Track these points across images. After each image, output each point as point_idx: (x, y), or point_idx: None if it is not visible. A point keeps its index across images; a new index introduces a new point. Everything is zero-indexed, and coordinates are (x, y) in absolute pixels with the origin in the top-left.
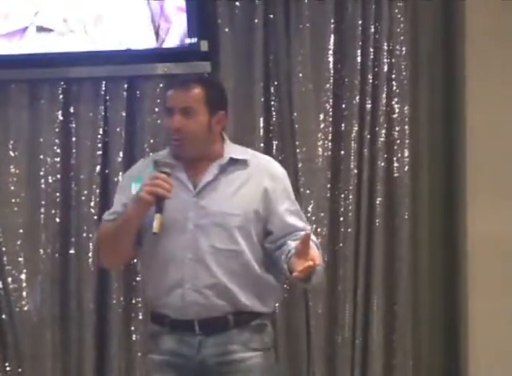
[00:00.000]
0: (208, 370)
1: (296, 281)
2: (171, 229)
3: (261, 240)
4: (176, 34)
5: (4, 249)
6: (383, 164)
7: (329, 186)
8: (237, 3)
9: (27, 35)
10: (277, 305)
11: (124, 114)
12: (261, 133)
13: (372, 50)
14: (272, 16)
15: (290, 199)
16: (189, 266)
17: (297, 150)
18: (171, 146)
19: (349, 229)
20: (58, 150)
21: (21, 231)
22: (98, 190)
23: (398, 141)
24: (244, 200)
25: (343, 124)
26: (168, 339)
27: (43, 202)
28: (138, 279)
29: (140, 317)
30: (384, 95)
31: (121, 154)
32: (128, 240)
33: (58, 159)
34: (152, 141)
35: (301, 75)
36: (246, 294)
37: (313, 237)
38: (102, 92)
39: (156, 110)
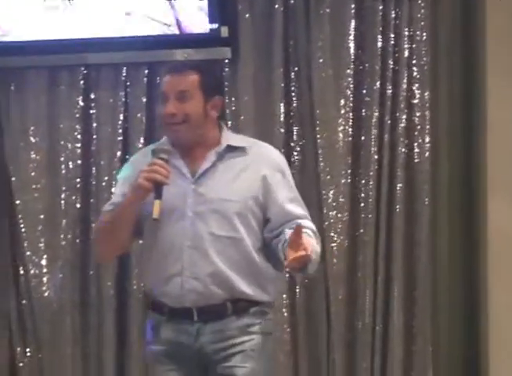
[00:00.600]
0: (206, 357)
1: (291, 270)
2: (170, 216)
3: (261, 229)
4: (197, 20)
5: (24, 235)
6: (403, 149)
7: (349, 171)
8: None
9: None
10: (283, 295)
11: (144, 100)
12: (282, 119)
13: (392, 36)
14: (292, 1)
15: (290, 186)
16: (188, 254)
17: (318, 136)
18: (166, 132)
19: (369, 215)
20: (78, 136)
21: (41, 217)
22: None
23: (419, 127)
24: (243, 187)
25: (363, 110)
26: (167, 328)
27: (63, 188)
28: None
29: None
30: (405, 81)
31: (142, 140)
32: (125, 229)
33: (78, 145)
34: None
35: (321, 61)
36: (244, 281)
37: (310, 225)
38: (123, 78)
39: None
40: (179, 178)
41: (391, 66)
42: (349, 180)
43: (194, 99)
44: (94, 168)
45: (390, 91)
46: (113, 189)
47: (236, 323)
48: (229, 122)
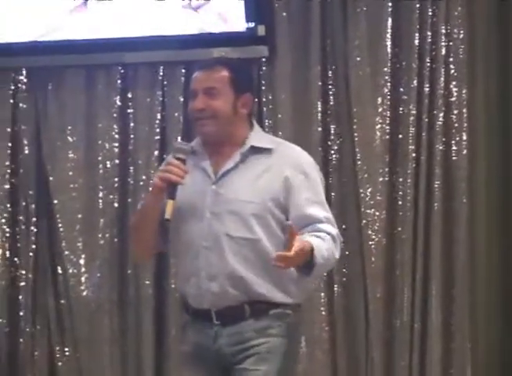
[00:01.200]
0: (225, 359)
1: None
2: (190, 216)
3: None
4: (233, 18)
5: (62, 234)
6: (441, 147)
7: (386, 169)
8: None
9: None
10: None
11: (181, 99)
12: (319, 117)
13: (429, 33)
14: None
15: (313, 188)
16: (204, 254)
17: (355, 134)
18: (195, 128)
19: (407, 213)
20: (116, 136)
21: (79, 216)
22: None
23: (456, 124)
24: (262, 188)
25: (400, 108)
26: (191, 329)
27: (101, 187)
28: None
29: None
30: (442, 79)
31: (179, 139)
32: (149, 228)
33: (116, 144)
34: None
35: (358, 59)
36: (262, 283)
37: (329, 228)
38: (160, 77)
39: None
40: (202, 177)
41: (428, 64)
42: (387, 178)
43: (223, 95)
44: (131, 168)
45: (427, 89)
46: (149, 188)
47: (253, 325)
48: (266, 121)
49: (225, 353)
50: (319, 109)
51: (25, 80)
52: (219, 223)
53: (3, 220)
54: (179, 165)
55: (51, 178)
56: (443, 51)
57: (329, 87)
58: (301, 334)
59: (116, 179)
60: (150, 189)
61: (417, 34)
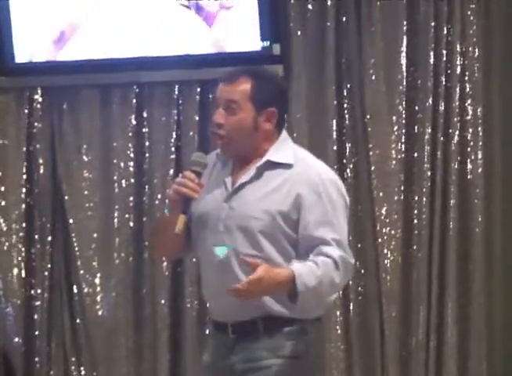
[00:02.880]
0: (236, 374)
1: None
2: (207, 228)
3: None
4: (249, 37)
5: (78, 254)
6: (456, 166)
7: (402, 188)
8: (309, 6)
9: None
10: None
11: (196, 118)
12: (334, 136)
13: (444, 52)
14: (343, 18)
15: (325, 208)
16: (217, 269)
17: (370, 153)
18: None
19: (423, 232)
20: (131, 155)
21: (95, 235)
22: None
23: (472, 143)
24: (273, 205)
25: (416, 127)
26: (211, 340)
27: (116, 206)
28: None
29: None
30: (457, 97)
31: (196, 151)
32: (166, 237)
33: (131, 163)
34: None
35: (373, 78)
36: (274, 299)
37: (331, 252)
38: (175, 96)
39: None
40: (221, 189)
41: (444, 83)
42: (402, 197)
43: (244, 111)
44: (147, 187)
45: (442, 107)
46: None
47: (267, 343)
48: None
49: (236, 370)
50: (335, 128)
51: (40, 99)
52: (230, 238)
53: (19, 239)
54: (194, 179)
55: (66, 198)
56: (458, 69)
57: (345, 106)
58: (323, 349)
59: (131, 198)
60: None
61: (432, 53)
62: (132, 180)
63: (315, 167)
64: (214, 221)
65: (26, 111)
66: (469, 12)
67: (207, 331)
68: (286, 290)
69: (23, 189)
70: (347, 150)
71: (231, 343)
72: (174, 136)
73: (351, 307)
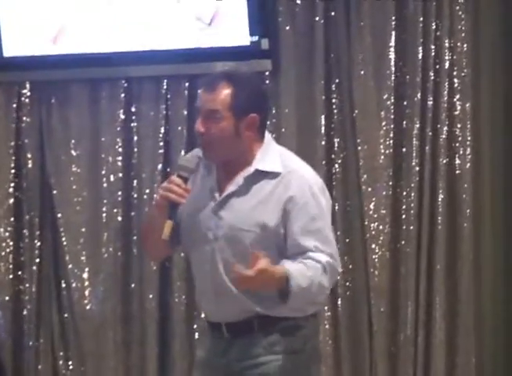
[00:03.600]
0: (233, 373)
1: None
2: (196, 237)
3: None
4: (237, 32)
5: (66, 248)
6: (444, 161)
7: (390, 183)
8: (298, 1)
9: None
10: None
11: (185, 113)
12: (323, 131)
13: (433, 47)
14: (332, 13)
15: (310, 216)
16: (208, 277)
17: (359, 148)
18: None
19: (411, 227)
20: (119, 149)
21: (83, 230)
22: None
23: (460, 138)
24: (262, 217)
25: (404, 122)
26: (207, 338)
27: (105, 201)
28: None
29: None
30: (446, 93)
31: (183, 153)
32: (154, 238)
33: (119, 158)
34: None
35: (362, 73)
36: (268, 303)
37: (318, 257)
38: (164, 91)
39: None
40: (208, 196)
41: (432, 78)
42: (390, 192)
43: (224, 120)
44: (135, 181)
45: (431, 102)
46: (153, 202)
47: (262, 340)
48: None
49: (233, 368)
50: (323, 123)
51: (29, 94)
52: (219, 248)
53: (7, 234)
54: (181, 184)
55: (55, 192)
56: (447, 65)
57: (333, 101)
58: (318, 343)
59: (119, 193)
60: (153, 203)
61: (421, 48)
62: (120, 175)
63: (302, 174)
64: (203, 230)
65: (14, 106)
66: (457, 8)
67: (195, 326)
68: (278, 287)
69: (12, 184)
70: (336, 145)
71: (226, 342)
72: (163, 131)
73: (340, 302)
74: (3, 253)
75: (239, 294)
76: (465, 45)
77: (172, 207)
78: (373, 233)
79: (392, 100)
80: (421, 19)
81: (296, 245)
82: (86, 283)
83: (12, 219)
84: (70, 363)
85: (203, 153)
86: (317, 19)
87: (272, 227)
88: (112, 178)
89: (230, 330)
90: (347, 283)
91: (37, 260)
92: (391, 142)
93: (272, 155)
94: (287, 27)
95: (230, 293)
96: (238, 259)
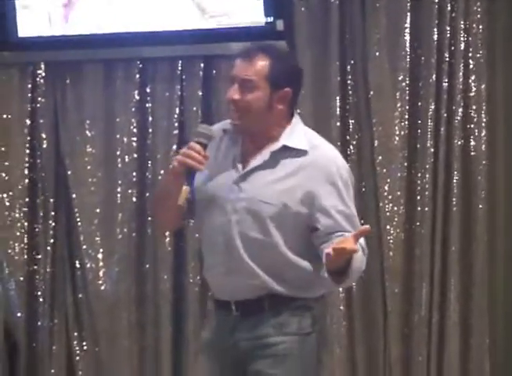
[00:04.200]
0: (241, 354)
1: (331, 273)
2: (213, 206)
3: (306, 234)
4: (251, 13)
5: (81, 229)
6: (459, 142)
7: (405, 164)
8: None
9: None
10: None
11: (200, 94)
12: (338, 112)
13: (448, 28)
14: None
15: (342, 199)
16: (221, 249)
17: (374, 129)
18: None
19: (426, 208)
20: (134, 130)
21: (98, 211)
22: None
23: (475, 119)
24: (284, 192)
25: (419, 103)
26: (214, 317)
27: (119, 182)
28: None
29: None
30: (461, 74)
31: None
32: (167, 206)
33: (134, 139)
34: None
35: (377, 54)
36: (280, 281)
37: (360, 240)
38: (178, 72)
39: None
40: (231, 167)
41: (447, 59)
42: (405, 173)
43: (259, 90)
44: (150, 162)
45: (446, 84)
46: None
47: (272, 319)
48: None
49: (241, 348)
50: (338, 104)
51: (43, 74)
52: (237, 220)
53: (22, 214)
54: (200, 151)
55: (69, 173)
56: (462, 46)
57: (348, 82)
58: (327, 327)
59: (134, 174)
60: (169, 168)
61: (436, 29)
62: (135, 155)
63: (328, 154)
64: (221, 201)
65: (29, 86)
66: None
67: (209, 307)
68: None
69: (26, 165)
70: (351, 127)
71: (235, 321)
72: (178, 112)
73: (354, 284)
74: (18, 233)
75: (254, 267)
76: (480, 27)
77: (189, 174)
78: (388, 214)
79: (407, 81)
80: (436, 0)
81: (332, 223)
82: (100, 264)
83: (26, 200)
84: (84, 343)
85: (232, 122)
86: (332, 0)
87: (294, 203)
88: (127, 158)
89: (239, 309)
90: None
91: (52, 241)
92: (406, 123)
93: (299, 133)
94: (302, 8)
95: (244, 268)
96: (255, 233)
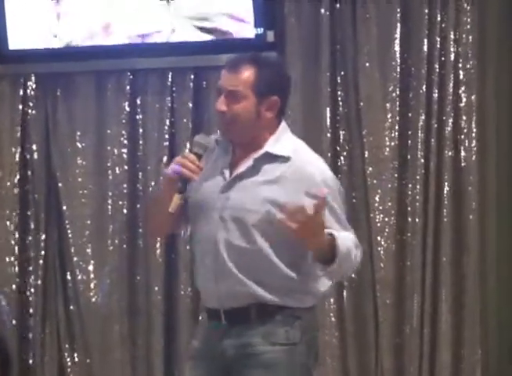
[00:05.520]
0: (228, 360)
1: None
2: (201, 215)
3: (292, 241)
4: (243, 24)
5: (72, 241)
6: (450, 153)
7: (396, 175)
8: None
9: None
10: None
11: (190, 105)
12: (328, 123)
13: (438, 39)
14: (338, 6)
15: (332, 208)
16: (208, 258)
17: (364, 140)
18: (218, 127)
19: (417, 219)
20: (125, 142)
21: (89, 222)
22: None
23: (466, 130)
24: (268, 199)
25: (410, 114)
26: (203, 327)
27: (110, 193)
28: None
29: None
30: (451, 85)
31: (188, 145)
32: (160, 214)
33: (125, 150)
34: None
35: (367, 65)
36: (268, 290)
37: (349, 235)
38: (169, 83)
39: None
40: (219, 178)
41: (437, 70)
42: (396, 184)
43: (246, 100)
44: (140, 174)
45: (436, 94)
46: None
47: (260, 329)
48: None
49: (228, 355)
50: (328, 115)
51: (34, 86)
52: (223, 229)
53: (13, 226)
54: (194, 160)
55: (60, 185)
56: (452, 56)
57: (339, 93)
58: (317, 336)
59: (125, 185)
60: (161, 177)
61: (426, 40)
62: (126, 167)
63: (311, 161)
64: (209, 210)
65: (20, 98)
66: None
67: (201, 318)
68: (324, 247)
69: (17, 177)
70: (341, 137)
71: (223, 329)
72: (168, 123)
73: (345, 294)
74: (9, 246)
75: (239, 276)
76: (470, 37)
77: (183, 182)
78: (379, 225)
79: (397, 92)
80: (426, 11)
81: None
82: (92, 276)
83: (17, 212)
84: (75, 355)
85: (222, 132)
86: (322, 11)
87: (277, 208)
88: (117, 170)
89: (228, 317)
90: (353, 275)
91: (43, 253)
92: (397, 134)
93: (284, 140)
94: (293, 19)
95: (230, 276)
96: (240, 241)
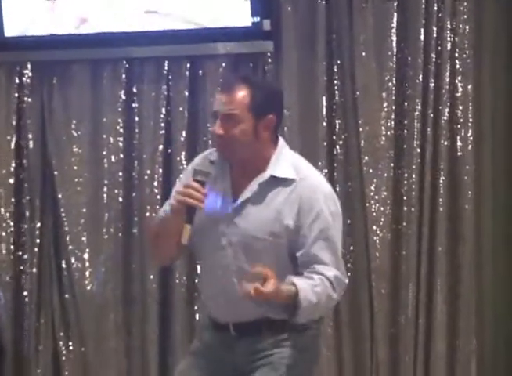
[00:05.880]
0: (238, 369)
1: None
2: (209, 240)
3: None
4: (239, 13)
5: (67, 229)
6: (446, 143)
7: (392, 165)
8: None
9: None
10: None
11: (186, 94)
12: (324, 112)
13: (435, 29)
14: None
15: (324, 228)
16: (219, 282)
17: (360, 129)
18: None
19: (412, 209)
20: (121, 130)
21: (84, 211)
22: (160, 170)
23: (462, 120)
24: (276, 225)
25: (406, 103)
26: (210, 333)
27: (106, 182)
28: None
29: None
30: (448, 74)
31: (184, 134)
32: (166, 243)
33: (121, 139)
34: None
35: (363, 54)
36: (277, 309)
37: (328, 273)
38: (165, 72)
39: (219, 89)
40: (222, 199)
41: (434, 60)
42: (392, 174)
43: (243, 122)
44: (136, 162)
45: (432, 84)
46: (155, 183)
47: (270, 339)
48: None
49: (239, 362)
50: (325, 104)
51: (30, 74)
52: (233, 254)
53: (8, 214)
54: (199, 189)
55: (56, 173)
56: (449, 46)
57: (335, 82)
58: (320, 345)
59: (120, 174)
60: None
61: (423, 29)
62: (121, 155)
63: (315, 182)
64: (217, 235)
65: (15, 86)
66: None
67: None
68: (288, 301)
69: (13, 164)
70: (337, 127)
71: (232, 339)
72: (164, 112)
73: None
74: (4, 233)
75: (251, 302)
76: (467, 27)
77: (190, 212)
78: (374, 214)
79: (394, 82)
80: (423, 0)
81: (305, 253)
82: (87, 264)
83: (13, 200)
84: (70, 343)
85: (219, 153)
86: (319, 0)
87: (286, 235)
88: (113, 158)
89: (237, 330)
90: (348, 265)
91: (38, 241)
92: (393, 123)
93: (285, 160)
94: (289, 8)
95: (240, 298)
96: (249, 266)
